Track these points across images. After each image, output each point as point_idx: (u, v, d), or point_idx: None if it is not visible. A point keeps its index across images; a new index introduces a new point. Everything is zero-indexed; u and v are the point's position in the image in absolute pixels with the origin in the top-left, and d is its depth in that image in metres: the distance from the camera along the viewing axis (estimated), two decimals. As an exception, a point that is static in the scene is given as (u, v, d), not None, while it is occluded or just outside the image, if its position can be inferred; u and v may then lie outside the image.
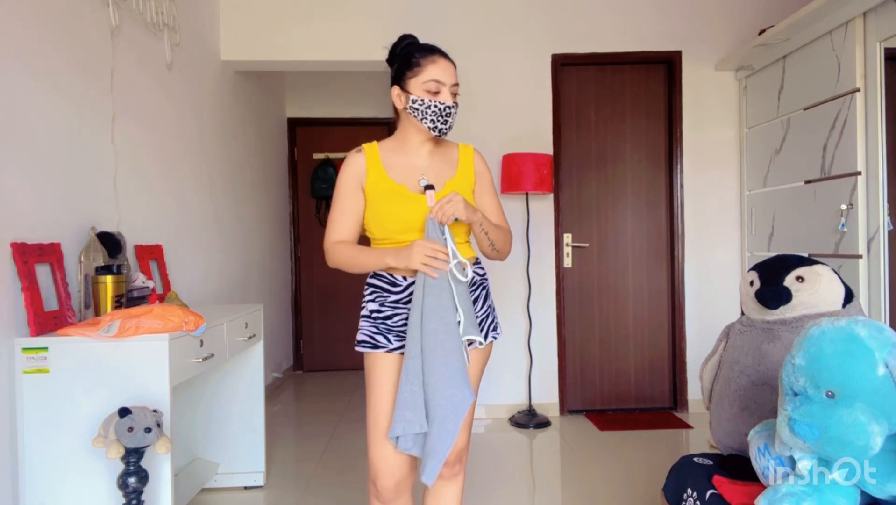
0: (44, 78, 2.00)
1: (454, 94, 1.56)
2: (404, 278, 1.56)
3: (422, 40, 1.64)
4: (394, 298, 1.57)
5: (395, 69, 1.59)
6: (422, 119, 1.55)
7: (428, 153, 1.63)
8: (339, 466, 2.97)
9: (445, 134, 1.58)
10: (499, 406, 3.71)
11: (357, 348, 1.58)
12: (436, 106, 1.53)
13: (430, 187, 1.54)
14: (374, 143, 1.65)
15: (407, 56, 1.57)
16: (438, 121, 1.54)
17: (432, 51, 1.56)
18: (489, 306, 1.67)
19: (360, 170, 1.59)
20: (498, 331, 1.69)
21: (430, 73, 1.53)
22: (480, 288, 1.65)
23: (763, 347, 1.65)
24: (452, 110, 1.55)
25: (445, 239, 1.49)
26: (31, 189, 1.92)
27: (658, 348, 3.83)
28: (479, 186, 1.68)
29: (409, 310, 1.54)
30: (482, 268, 1.68)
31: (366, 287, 1.62)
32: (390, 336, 1.55)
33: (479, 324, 1.61)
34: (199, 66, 3.34)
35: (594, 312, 3.83)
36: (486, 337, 1.63)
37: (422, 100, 1.53)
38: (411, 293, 1.54)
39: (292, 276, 5.25)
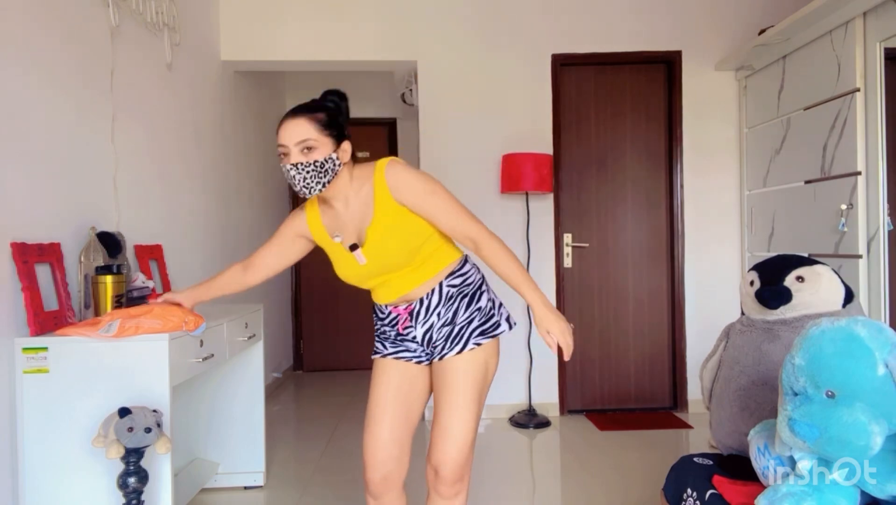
0: (44, 78, 2.00)
1: (308, 150, 1.44)
2: (385, 308, 1.67)
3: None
4: (381, 322, 1.72)
5: None
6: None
7: (346, 199, 1.56)
8: (339, 465, 2.97)
9: (310, 194, 1.49)
10: (499, 406, 3.71)
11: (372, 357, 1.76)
12: (286, 171, 1.48)
13: (354, 247, 1.55)
14: (315, 199, 1.62)
15: None
16: (295, 185, 1.48)
17: (284, 116, 1.50)
18: (476, 309, 1.62)
19: (300, 225, 1.66)
20: (491, 334, 1.62)
21: (278, 140, 1.49)
22: (460, 297, 1.61)
23: (763, 347, 1.65)
24: (293, 172, 1.45)
25: None
26: (31, 189, 1.92)
27: (658, 348, 3.83)
28: (412, 203, 1.51)
29: (393, 329, 1.67)
30: (460, 276, 1.62)
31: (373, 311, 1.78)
32: (386, 343, 1.71)
33: (460, 331, 1.58)
34: (199, 66, 3.34)
35: (594, 312, 3.83)
36: (465, 344, 1.57)
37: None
38: (392, 318, 1.65)
39: (292, 276, 5.24)
